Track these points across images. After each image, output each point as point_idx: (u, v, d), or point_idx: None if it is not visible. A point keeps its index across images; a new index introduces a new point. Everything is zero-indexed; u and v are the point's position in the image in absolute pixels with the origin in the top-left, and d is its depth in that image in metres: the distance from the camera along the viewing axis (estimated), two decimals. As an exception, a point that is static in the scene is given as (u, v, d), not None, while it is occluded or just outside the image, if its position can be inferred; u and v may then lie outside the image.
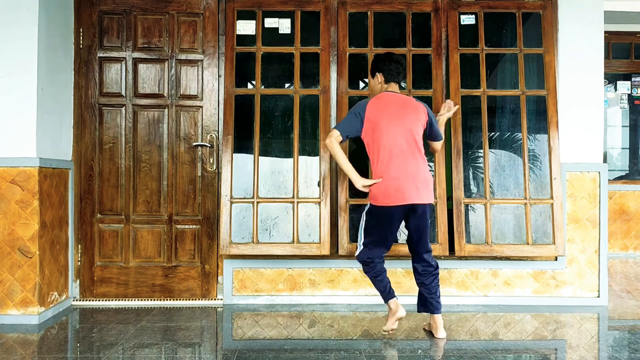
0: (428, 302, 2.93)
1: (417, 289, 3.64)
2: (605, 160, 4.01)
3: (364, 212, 3.00)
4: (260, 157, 3.58)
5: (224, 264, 3.63)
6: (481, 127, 3.64)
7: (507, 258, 3.64)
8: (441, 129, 3.15)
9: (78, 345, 2.84)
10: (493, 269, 3.66)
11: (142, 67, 3.69)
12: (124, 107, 3.68)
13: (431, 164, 3.74)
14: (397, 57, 3.02)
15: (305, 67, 3.66)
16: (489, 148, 3.69)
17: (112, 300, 3.63)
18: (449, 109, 3.26)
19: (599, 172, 3.66)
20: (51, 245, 3.33)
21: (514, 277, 3.66)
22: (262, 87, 3.64)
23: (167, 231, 3.68)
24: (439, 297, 2.94)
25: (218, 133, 3.68)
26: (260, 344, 2.85)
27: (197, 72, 3.70)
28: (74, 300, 3.62)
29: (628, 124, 6.15)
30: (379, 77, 3.02)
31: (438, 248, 3.50)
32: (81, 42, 3.65)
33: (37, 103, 3.19)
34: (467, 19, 3.68)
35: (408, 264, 3.64)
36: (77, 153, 3.65)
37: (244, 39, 3.68)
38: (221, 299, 3.65)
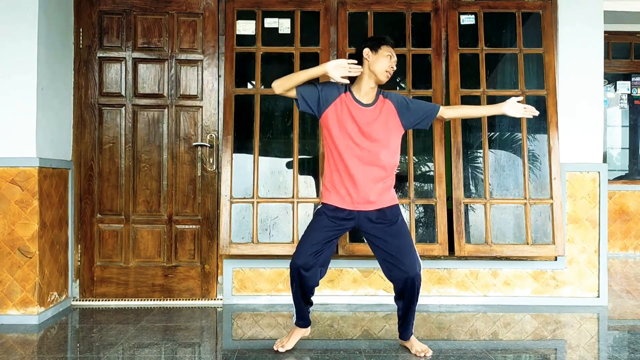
0: None
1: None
2: (605, 160, 4.01)
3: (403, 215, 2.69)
4: (260, 157, 3.58)
5: (223, 264, 3.63)
6: (481, 127, 3.64)
7: (507, 258, 3.64)
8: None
9: (78, 345, 2.84)
10: (493, 269, 3.66)
11: (141, 67, 3.69)
12: (123, 107, 3.68)
13: (430, 164, 3.74)
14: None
15: (305, 67, 3.62)
16: (489, 148, 3.69)
17: (112, 300, 3.64)
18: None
19: (599, 172, 3.66)
20: (51, 245, 3.33)
21: (514, 277, 3.66)
22: (262, 87, 3.64)
23: (167, 231, 3.68)
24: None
25: (218, 133, 3.68)
26: (260, 344, 2.84)
27: (197, 72, 3.70)
28: (73, 300, 3.62)
29: (628, 124, 6.15)
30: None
31: (438, 248, 3.50)
32: (81, 42, 3.65)
33: (37, 103, 3.19)
34: (467, 19, 3.68)
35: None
36: (77, 153, 3.65)
37: (244, 39, 3.68)
38: (221, 299, 3.65)
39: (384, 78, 2.55)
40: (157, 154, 3.69)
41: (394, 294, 2.68)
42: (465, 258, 3.61)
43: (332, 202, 2.58)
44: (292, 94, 2.57)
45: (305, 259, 2.53)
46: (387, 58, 2.54)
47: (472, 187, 4.03)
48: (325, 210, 2.60)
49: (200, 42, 3.70)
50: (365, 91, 2.57)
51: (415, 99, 2.71)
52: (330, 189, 2.60)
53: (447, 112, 2.70)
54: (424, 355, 2.61)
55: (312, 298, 2.70)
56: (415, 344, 2.68)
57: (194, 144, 3.68)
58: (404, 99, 2.64)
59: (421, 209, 3.89)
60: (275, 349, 2.68)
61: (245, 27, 3.66)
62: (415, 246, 2.59)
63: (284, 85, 2.55)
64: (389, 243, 2.55)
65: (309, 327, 2.81)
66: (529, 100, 3.70)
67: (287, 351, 2.69)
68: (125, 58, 3.68)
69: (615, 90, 6.01)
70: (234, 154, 3.55)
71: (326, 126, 2.58)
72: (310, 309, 2.77)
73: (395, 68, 2.58)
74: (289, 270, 2.59)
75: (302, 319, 2.73)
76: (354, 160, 2.53)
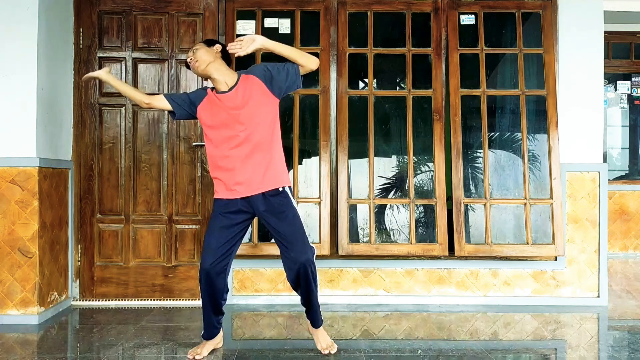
0: None
1: (417, 289, 3.65)
2: (605, 160, 4.01)
3: (296, 206, 2.63)
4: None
5: (223, 264, 3.63)
6: (481, 127, 3.64)
7: (507, 258, 3.64)
8: None
9: (78, 345, 2.84)
10: (493, 269, 3.66)
11: (142, 67, 3.69)
12: (123, 107, 3.68)
13: (430, 164, 3.74)
14: None
15: (305, 67, 3.66)
16: (489, 148, 3.69)
17: (112, 300, 3.63)
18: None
19: (599, 172, 3.66)
20: (51, 245, 3.33)
21: (514, 277, 3.66)
22: (262, 87, 3.64)
23: (167, 231, 3.68)
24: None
25: (218, 133, 3.67)
26: (260, 344, 2.85)
27: (197, 72, 3.70)
28: (73, 300, 3.62)
29: (628, 124, 6.15)
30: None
31: (438, 248, 3.50)
32: (81, 42, 3.65)
33: (37, 103, 3.19)
34: (467, 19, 3.68)
35: (408, 264, 3.65)
36: (77, 153, 3.65)
37: (244, 39, 3.67)
38: (221, 299, 3.65)
39: (196, 72, 2.59)
40: (157, 154, 3.69)
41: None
42: (465, 258, 3.61)
43: (221, 196, 2.56)
44: (161, 105, 2.68)
45: (212, 262, 2.49)
46: (189, 64, 2.62)
47: (472, 187, 4.03)
48: (217, 207, 2.59)
49: (200, 42, 3.69)
50: (217, 82, 2.56)
51: (274, 63, 2.61)
52: (218, 183, 2.59)
53: (300, 66, 2.57)
54: (329, 352, 2.59)
55: (225, 307, 2.64)
56: (321, 339, 2.65)
57: (194, 144, 3.68)
58: (267, 69, 2.56)
59: (421, 209, 3.89)
60: (191, 357, 2.56)
61: (245, 27, 3.66)
62: (305, 232, 2.55)
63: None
64: (279, 229, 2.52)
65: (220, 335, 2.72)
66: (529, 100, 3.71)
67: (288, 351, 2.68)
68: (125, 58, 3.68)
69: (615, 90, 6.01)
70: (234, 154, 3.55)
71: (203, 123, 2.61)
72: (222, 318, 2.67)
73: (191, 60, 2.57)
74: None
75: (209, 329, 2.64)
76: (232, 149, 2.51)
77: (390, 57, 3.87)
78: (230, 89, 2.55)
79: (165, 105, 2.66)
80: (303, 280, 2.53)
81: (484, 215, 3.57)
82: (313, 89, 3.66)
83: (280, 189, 2.55)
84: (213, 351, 2.65)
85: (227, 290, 2.63)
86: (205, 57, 2.55)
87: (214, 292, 2.54)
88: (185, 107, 2.64)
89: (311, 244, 2.56)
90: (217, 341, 2.70)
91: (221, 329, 2.71)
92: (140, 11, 3.68)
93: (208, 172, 3.67)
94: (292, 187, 2.73)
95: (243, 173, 2.51)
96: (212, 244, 2.53)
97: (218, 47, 2.62)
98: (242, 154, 2.51)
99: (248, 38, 2.49)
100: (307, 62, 2.55)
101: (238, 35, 3.64)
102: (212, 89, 2.62)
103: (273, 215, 2.54)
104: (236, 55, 2.49)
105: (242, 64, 3.35)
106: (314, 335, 2.69)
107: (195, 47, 2.60)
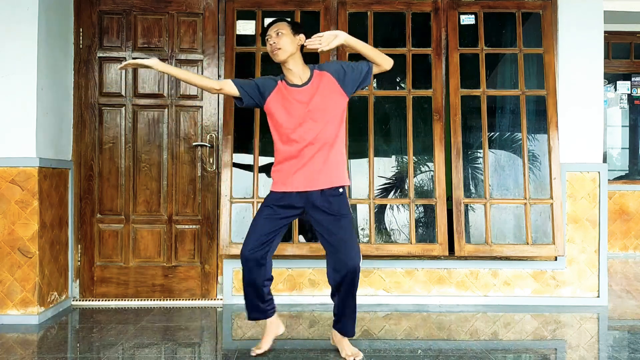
0: None
1: (417, 289, 3.65)
2: (605, 160, 4.02)
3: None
4: (260, 157, 3.58)
5: (223, 264, 3.63)
6: (481, 127, 3.64)
7: (507, 258, 3.64)
8: None
9: (78, 345, 2.84)
10: (493, 269, 3.66)
11: (142, 67, 3.69)
12: (123, 107, 3.69)
13: (430, 164, 3.74)
14: None
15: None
16: (489, 148, 3.69)
17: (112, 300, 3.64)
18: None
19: (599, 172, 3.66)
20: (51, 245, 3.33)
21: (514, 277, 3.66)
22: (262, 87, 3.64)
23: (167, 231, 3.68)
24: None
25: (218, 133, 3.68)
26: (260, 344, 2.84)
27: (197, 72, 3.70)
28: (73, 300, 3.62)
29: (628, 124, 6.15)
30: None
31: (438, 248, 3.50)
32: (81, 42, 3.65)
33: (37, 103, 3.19)
34: (467, 19, 3.68)
35: (408, 264, 3.65)
36: (77, 153, 3.65)
37: (244, 39, 3.68)
38: (221, 299, 3.65)
39: (274, 58, 2.52)
40: (157, 154, 3.69)
41: (330, 291, 2.61)
42: (465, 258, 3.61)
43: (278, 189, 2.56)
44: (229, 91, 2.54)
45: (251, 249, 2.51)
46: (268, 42, 2.52)
47: (472, 187, 4.03)
48: (269, 199, 2.58)
49: (200, 42, 3.70)
50: (291, 73, 2.53)
51: (349, 62, 2.62)
52: (277, 175, 2.58)
53: (375, 65, 2.57)
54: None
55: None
56: (346, 347, 2.57)
57: (194, 144, 3.68)
58: (341, 67, 2.56)
59: (421, 209, 3.89)
60: (253, 354, 2.58)
61: (245, 27, 3.66)
62: (355, 237, 2.56)
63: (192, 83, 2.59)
64: (334, 232, 2.49)
65: (278, 321, 2.70)
66: (529, 100, 3.71)
67: (288, 351, 2.68)
68: (125, 58, 3.68)
69: (615, 90, 6.01)
70: (234, 154, 3.55)
71: (270, 115, 2.56)
72: (270, 305, 2.64)
73: (274, 44, 2.47)
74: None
75: (254, 312, 2.62)
76: (301, 145, 2.49)
77: (390, 57, 3.86)
78: (304, 84, 2.52)
79: (234, 91, 2.53)
80: (347, 285, 2.49)
81: (484, 215, 3.57)
82: (313, 89, 3.65)
83: (341, 190, 2.54)
84: (214, 351, 2.65)
85: (271, 279, 2.61)
86: (289, 48, 2.48)
87: (252, 277, 2.53)
88: (254, 96, 2.55)
89: (359, 250, 2.53)
90: (274, 328, 2.66)
91: (276, 314, 2.67)
92: (140, 11, 3.68)
93: (208, 172, 3.67)
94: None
95: (307, 168, 2.50)
96: (254, 232, 2.55)
97: (302, 38, 2.52)
98: (310, 149, 2.49)
99: (330, 34, 2.45)
100: (384, 62, 2.55)
101: (238, 36, 3.65)
102: (282, 79, 2.56)
103: (330, 216, 2.51)
104: (318, 50, 2.45)
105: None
106: (338, 345, 2.62)
107: (281, 30, 2.48)
